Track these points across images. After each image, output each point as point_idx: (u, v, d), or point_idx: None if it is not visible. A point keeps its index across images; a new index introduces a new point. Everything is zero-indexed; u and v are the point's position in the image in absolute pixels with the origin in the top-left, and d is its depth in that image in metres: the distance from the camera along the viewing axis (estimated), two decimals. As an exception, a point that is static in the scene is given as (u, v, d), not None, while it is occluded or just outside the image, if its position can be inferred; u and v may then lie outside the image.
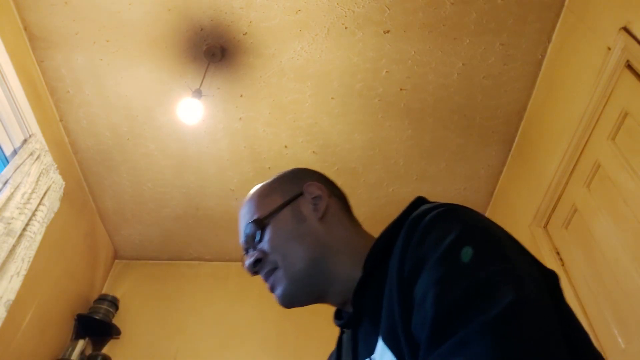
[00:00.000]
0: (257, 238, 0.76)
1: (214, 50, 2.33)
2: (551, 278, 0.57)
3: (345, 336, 0.77)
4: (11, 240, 1.96)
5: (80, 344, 2.75)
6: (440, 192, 3.00)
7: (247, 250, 0.79)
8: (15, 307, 2.09)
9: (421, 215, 0.59)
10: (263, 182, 0.85)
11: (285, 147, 2.77)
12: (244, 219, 0.80)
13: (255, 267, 0.76)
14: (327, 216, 0.77)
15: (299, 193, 0.79)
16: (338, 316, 0.78)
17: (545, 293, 0.50)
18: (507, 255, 0.51)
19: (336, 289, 0.72)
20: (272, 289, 0.75)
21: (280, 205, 0.77)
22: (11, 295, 1.98)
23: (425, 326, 0.47)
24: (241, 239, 0.80)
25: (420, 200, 0.68)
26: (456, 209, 0.58)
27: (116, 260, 3.44)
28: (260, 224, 0.76)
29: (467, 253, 0.50)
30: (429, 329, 0.46)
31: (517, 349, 0.40)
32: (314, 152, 2.79)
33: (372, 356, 0.62)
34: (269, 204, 0.78)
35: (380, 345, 0.58)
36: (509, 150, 2.79)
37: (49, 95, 2.51)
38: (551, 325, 0.45)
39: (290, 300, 0.74)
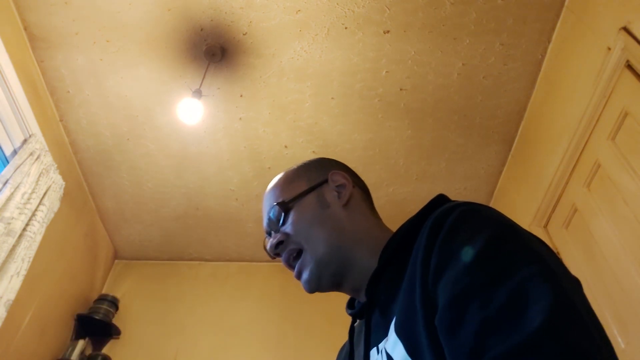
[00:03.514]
0: (281, 221, 0.78)
1: (214, 50, 2.33)
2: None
3: (356, 326, 0.78)
4: (11, 240, 1.96)
5: (80, 344, 2.75)
6: (440, 192, 2.99)
7: (269, 234, 0.81)
8: (15, 307, 2.09)
9: (447, 212, 0.59)
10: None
11: (285, 147, 2.77)
12: (268, 202, 0.82)
13: (277, 249, 0.78)
14: (349, 204, 0.79)
15: (324, 180, 0.81)
16: (350, 305, 0.79)
17: (580, 289, 0.51)
18: (542, 256, 0.51)
19: (353, 276, 0.74)
20: (299, 274, 0.77)
21: (305, 190, 0.79)
22: (11, 295, 1.98)
23: (469, 328, 0.46)
24: (264, 222, 0.82)
25: (441, 198, 0.69)
26: (483, 208, 0.59)
27: (116, 260, 3.44)
28: (284, 207, 0.78)
29: (504, 255, 0.50)
30: (476, 331, 0.45)
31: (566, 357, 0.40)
32: (314, 152, 2.79)
33: (380, 345, 0.62)
34: (293, 188, 0.80)
35: (393, 337, 0.58)
36: (509, 150, 2.79)
37: (49, 95, 2.51)
38: (596, 323, 0.46)
39: (315, 284, 0.75)
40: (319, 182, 0.80)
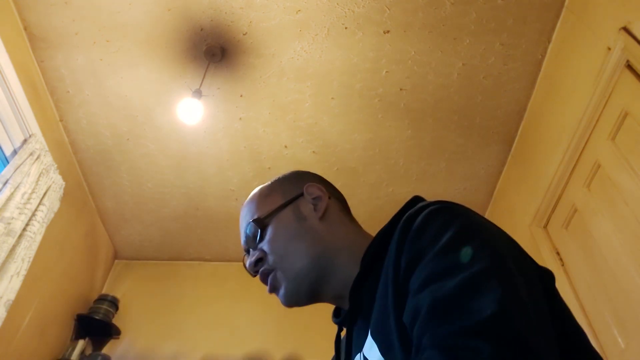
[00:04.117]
0: (258, 237, 0.76)
1: (214, 50, 2.33)
2: (546, 277, 0.59)
3: (344, 335, 0.77)
4: (11, 240, 1.96)
5: (80, 344, 2.75)
6: (440, 192, 3.00)
7: (247, 251, 0.80)
8: (15, 307, 2.09)
9: (417, 212, 0.60)
10: (263, 184, 0.86)
11: (285, 147, 2.77)
12: (244, 219, 0.81)
13: (257, 267, 0.77)
14: (326, 216, 0.77)
15: (299, 194, 0.80)
16: (336, 314, 0.79)
17: (536, 287, 0.52)
18: (501, 253, 0.52)
19: (336, 286, 0.73)
20: (273, 290, 0.76)
21: (281, 205, 0.78)
22: (11, 295, 1.98)
23: (421, 313, 0.48)
24: (242, 239, 0.81)
25: (416, 199, 0.69)
26: (452, 206, 0.60)
27: (116, 260, 3.44)
28: (261, 224, 0.77)
29: (465, 250, 0.52)
30: (425, 314, 0.47)
31: (510, 348, 0.41)
32: (314, 152, 2.79)
33: (364, 350, 0.63)
34: (269, 204, 0.79)
35: (369, 339, 0.59)
36: (509, 150, 2.79)
37: (49, 95, 2.51)
38: (542, 322, 0.47)
39: (293, 299, 0.74)
40: (294, 196, 0.79)
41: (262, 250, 0.76)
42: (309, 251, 0.73)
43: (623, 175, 1.83)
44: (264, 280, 0.76)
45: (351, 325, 0.70)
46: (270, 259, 0.75)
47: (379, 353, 0.56)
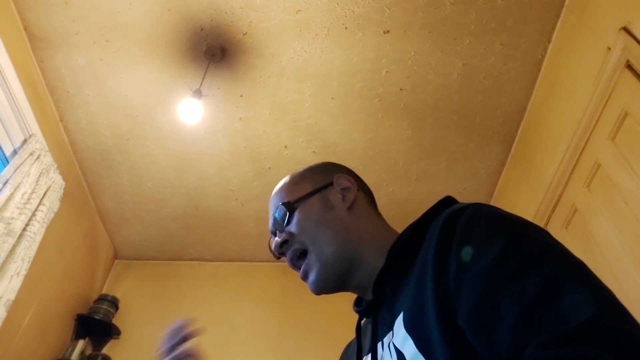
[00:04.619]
0: (285, 220, 0.79)
1: (214, 50, 2.33)
2: None
3: (363, 323, 0.80)
4: (11, 240, 1.96)
5: (80, 344, 2.75)
6: (440, 192, 3.00)
7: (274, 233, 0.82)
8: (15, 307, 2.09)
9: (458, 212, 0.59)
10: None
11: (285, 147, 2.77)
12: (273, 203, 0.84)
13: (282, 249, 0.79)
14: (354, 207, 0.80)
15: (329, 183, 0.82)
16: (358, 304, 0.80)
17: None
18: (562, 249, 0.52)
19: (359, 275, 0.75)
20: (305, 276, 0.78)
21: (310, 192, 0.81)
22: (11, 295, 1.98)
23: (506, 320, 0.46)
24: (270, 222, 0.83)
25: (449, 199, 0.69)
26: (493, 208, 0.60)
27: (116, 260, 3.44)
28: (289, 207, 0.79)
29: (529, 250, 0.51)
30: (515, 322, 0.46)
31: (624, 347, 0.41)
32: (314, 152, 2.79)
33: (385, 340, 0.64)
34: (299, 190, 0.82)
35: (402, 332, 0.59)
36: (509, 150, 2.79)
37: (49, 95, 2.51)
38: (626, 309, 0.46)
39: (322, 285, 0.76)
40: (324, 185, 0.82)
41: (289, 233, 0.78)
42: (336, 239, 0.75)
43: (623, 175, 1.83)
44: (293, 263, 0.79)
45: (375, 314, 0.71)
46: (300, 239, 0.77)
47: (415, 348, 0.56)
